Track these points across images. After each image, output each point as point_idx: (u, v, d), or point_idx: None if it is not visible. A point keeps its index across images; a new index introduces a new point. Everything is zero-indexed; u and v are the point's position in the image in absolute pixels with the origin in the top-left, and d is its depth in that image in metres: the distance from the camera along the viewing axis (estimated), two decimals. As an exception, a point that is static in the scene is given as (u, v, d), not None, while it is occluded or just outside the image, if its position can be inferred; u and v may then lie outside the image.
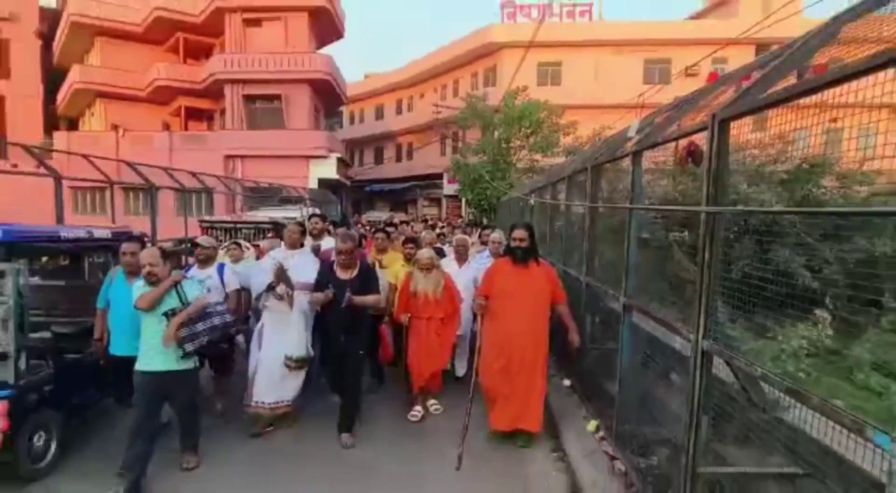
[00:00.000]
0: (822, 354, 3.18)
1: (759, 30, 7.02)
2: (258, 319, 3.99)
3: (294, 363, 3.74)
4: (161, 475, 3.13)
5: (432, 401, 4.28)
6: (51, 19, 23.24)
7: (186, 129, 22.66)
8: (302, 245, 4.15)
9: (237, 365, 4.18)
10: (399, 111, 30.68)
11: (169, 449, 3.27)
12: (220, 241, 5.98)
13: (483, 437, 3.67)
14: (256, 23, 20.57)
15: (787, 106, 1.85)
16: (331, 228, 6.43)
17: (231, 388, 4.11)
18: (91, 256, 4.25)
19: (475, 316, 3.94)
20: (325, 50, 22.94)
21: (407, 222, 12.76)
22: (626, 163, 3.28)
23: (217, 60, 20.64)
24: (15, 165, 9.75)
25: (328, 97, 23.12)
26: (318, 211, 8.17)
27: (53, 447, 3.23)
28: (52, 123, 23.48)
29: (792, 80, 1.87)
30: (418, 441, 3.76)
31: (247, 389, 3.78)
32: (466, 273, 4.68)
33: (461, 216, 22.64)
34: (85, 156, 7.20)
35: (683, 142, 2.57)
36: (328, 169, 20.86)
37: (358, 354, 3.77)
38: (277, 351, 3.73)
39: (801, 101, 1.76)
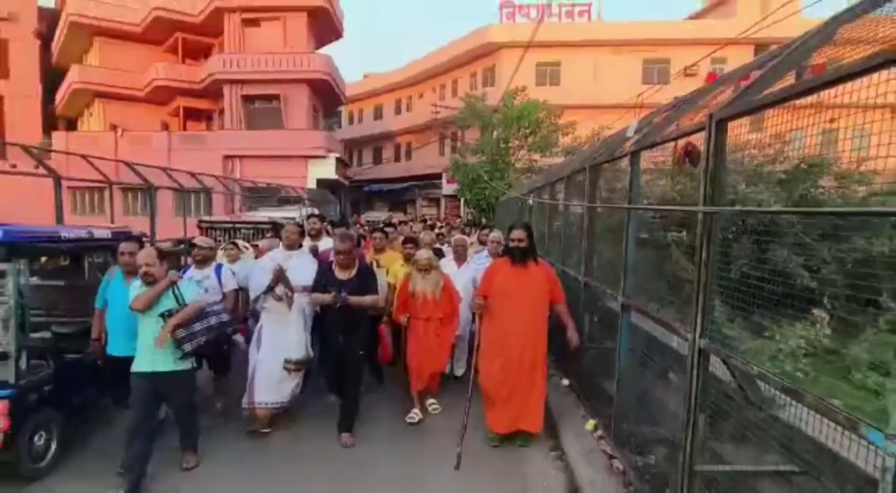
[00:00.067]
0: (820, 353, 3.20)
1: (757, 30, 7.05)
2: (256, 320, 3.99)
3: (294, 366, 3.75)
4: (161, 475, 3.15)
5: (431, 401, 4.29)
6: (49, 19, 23.20)
7: (185, 129, 22.66)
8: (300, 246, 4.15)
9: (236, 365, 4.19)
10: (398, 111, 30.72)
11: (169, 449, 3.28)
12: (219, 241, 5.99)
13: (481, 437, 3.68)
14: (255, 23, 20.58)
15: (785, 106, 1.85)
16: (329, 228, 6.44)
17: (230, 388, 4.12)
18: (91, 256, 4.26)
19: (474, 316, 3.95)
20: (324, 50, 22.99)
21: (406, 222, 12.76)
22: (625, 163, 3.30)
23: (216, 60, 20.64)
24: (14, 166, 9.74)
25: (327, 97, 23.14)
26: (316, 211, 8.18)
27: (54, 446, 3.24)
28: (50, 123, 23.46)
29: (790, 80, 1.88)
30: (417, 441, 3.78)
31: (246, 390, 3.79)
32: (465, 273, 4.69)
33: (460, 216, 22.68)
34: (84, 156, 7.21)
35: (681, 142, 2.58)
36: (327, 169, 20.87)
37: (357, 354, 3.78)
38: (276, 352, 3.73)
39: (798, 101, 1.77)
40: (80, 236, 3.71)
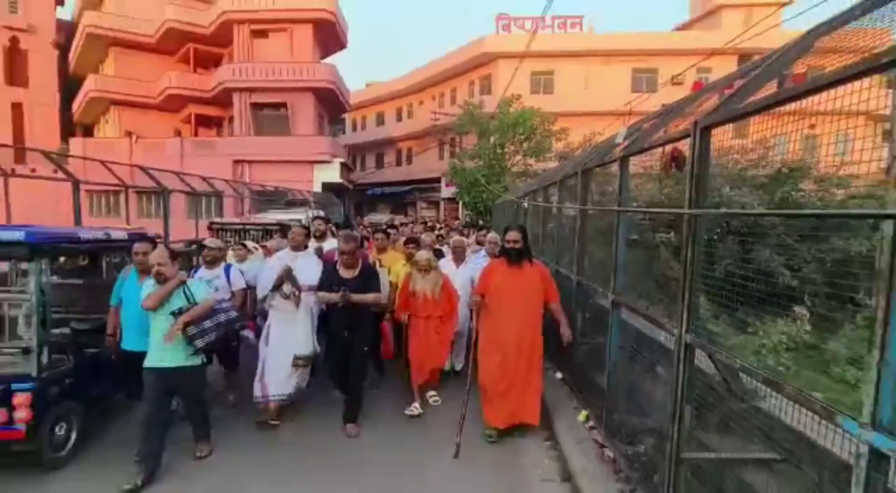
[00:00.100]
0: (801, 348, 3.27)
1: (741, 41, 7.19)
2: (265, 319, 4.12)
3: (302, 362, 3.90)
4: (175, 463, 3.29)
5: (431, 393, 4.42)
6: (67, 30, 23.82)
7: (197, 135, 23.09)
8: (306, 247, 4.28)
9: (244, 360, 4.33)
10: (399, 118, 31.25)
11: (183, 438, 3.43)
12: (229, 242, 6.17)
13: (480, 430, 3.77)
14: (263, 34, 21.02)
15: (767, 114, 1.93)
16: (333, 229, 6.62)
17: (241, 382, 4.26)
18: (108, 256, 4.40)
19: (472, 313, 4.08)
20: (329, 60, 23.37)
21: (407, 224, 12.93)
22: (615, 168, 3.40)
23: (226, 70, 21.10)
24: (34, 170, 10.06)
25: (332, 105, 23.53)
26: (321, 213, 8.37)
27: (74, 436, 3.37)
28: (68, 129, 23.96)
29: (772, 88, 1.96)
30: (418, 432, 3.90)
31: (255, 384, 3.92)
32: (463, 273, 4.80)
33: (458, 218, 22.82)
34: (101, 161, 7.48)
35: (668, 148, 2.67)
36: (332, 173, 21.20)
37: (362, 350, 3.90)
38: (284, 349, 3.87)
39: (779, 108, 1.83)
40: (98, 237, 3.84)
